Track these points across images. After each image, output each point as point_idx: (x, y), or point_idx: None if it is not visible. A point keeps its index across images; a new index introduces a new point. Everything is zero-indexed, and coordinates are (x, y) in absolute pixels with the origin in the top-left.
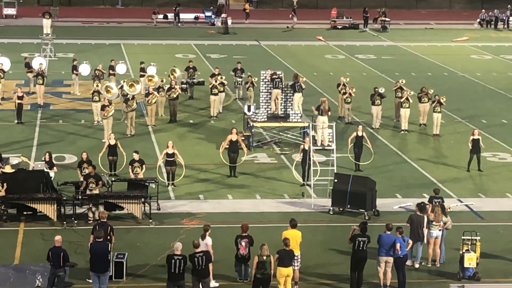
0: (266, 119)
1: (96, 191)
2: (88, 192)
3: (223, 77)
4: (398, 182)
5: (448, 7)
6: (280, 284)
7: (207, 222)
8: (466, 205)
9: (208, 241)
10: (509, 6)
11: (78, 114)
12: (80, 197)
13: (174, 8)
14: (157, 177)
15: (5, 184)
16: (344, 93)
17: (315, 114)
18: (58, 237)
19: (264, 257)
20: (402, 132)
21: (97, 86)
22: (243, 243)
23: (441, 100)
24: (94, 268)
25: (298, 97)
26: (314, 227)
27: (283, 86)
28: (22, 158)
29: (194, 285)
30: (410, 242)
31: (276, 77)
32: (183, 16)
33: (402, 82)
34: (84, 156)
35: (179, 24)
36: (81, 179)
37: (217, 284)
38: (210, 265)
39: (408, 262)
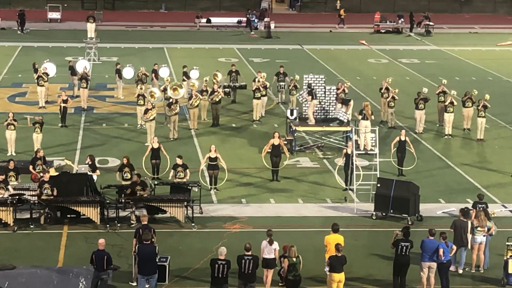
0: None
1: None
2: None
3: (264, 75)
4: (442, 187)
5: (492, 11)
6: None
7: (248, 226)
8: (511, 211)
9: (276, 246)
10: None
11: (122, 117)
12: (123, 200)
13: (247, 14)
14: (199, 181)
15: (55, 189)
16: (387, 97)
17: (357, 119)
18: (101, 240)
19: (294, 259)
20: (446, 136)
21: (141, 89)
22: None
23: (485, 102)
24: (142, 271)
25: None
26: (356, 232)
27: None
28: (66, 161)
29: None
30: (454, 247)
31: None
32: (226, 20)
33: (444, 82)
34: (125, 160)
35: (252, 32)
36: (122, 183)
37: None
38: (270, 273)
39: (452, 268)
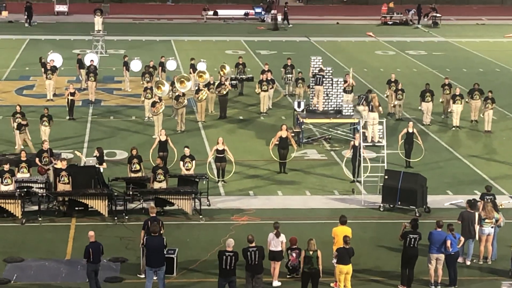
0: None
1: (164, 185)
2: (156, 183)
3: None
4: (449, 179)
5: (500, 3)
6: (340, 281)
7: (256, 218)
8: None
9: (283, 238)
10: None
11: (129, 110)
12: (131, 192)
13: (284, 9)
14: (207, 173)
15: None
16: (395, 90)
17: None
18: (91, 233)
19: (311, 252)
20: (453, 128)
21: (148, 82)
22: (294, 254)
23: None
24: (150, 262)
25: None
26: (364, 224)
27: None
28: (77, 153)
29: (247, 281)
30: (462, 239)
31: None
32: (233, 12)
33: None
34: (134, 151)
35: (288, 25)
36: (131, 175)
37: (279, 283)
38: (278, 265)
39: (460, 259)
